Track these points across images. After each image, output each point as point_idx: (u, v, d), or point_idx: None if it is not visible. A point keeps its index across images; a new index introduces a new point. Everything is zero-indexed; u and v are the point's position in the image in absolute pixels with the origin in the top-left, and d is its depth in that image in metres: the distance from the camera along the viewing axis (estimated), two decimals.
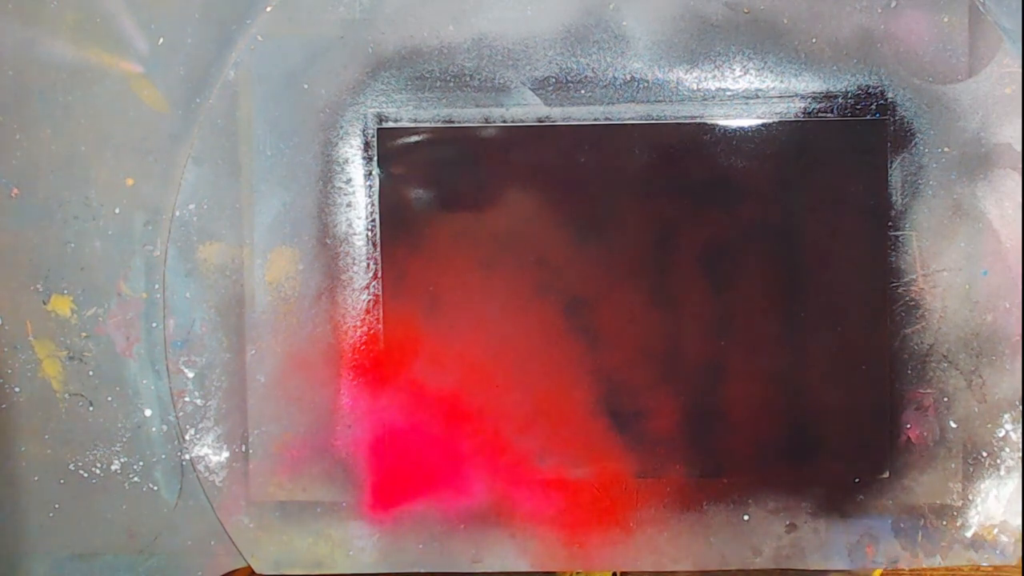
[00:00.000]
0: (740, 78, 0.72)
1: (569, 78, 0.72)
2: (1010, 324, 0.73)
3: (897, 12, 0.71)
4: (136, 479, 0.75)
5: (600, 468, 0.75)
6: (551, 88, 0.72)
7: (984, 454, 0.74)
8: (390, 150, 0.73)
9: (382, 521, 0.75)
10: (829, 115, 0.72)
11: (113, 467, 0.75)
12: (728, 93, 0.72)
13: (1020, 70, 0.71)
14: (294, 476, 0.75)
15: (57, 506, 0.75)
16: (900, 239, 0.73)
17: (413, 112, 0.73)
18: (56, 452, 0.75)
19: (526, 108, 0.73)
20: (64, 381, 0.75)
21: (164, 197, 0.73)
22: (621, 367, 0.74)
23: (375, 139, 0.73)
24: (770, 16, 0.71)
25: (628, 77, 0.72)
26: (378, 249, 0.74)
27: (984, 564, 0.75)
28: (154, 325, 0.74)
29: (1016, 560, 0.75)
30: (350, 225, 0.73)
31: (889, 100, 0.72)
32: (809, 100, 0.72)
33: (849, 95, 0.72)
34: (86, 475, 0.75)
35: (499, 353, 0.74)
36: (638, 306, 0.74)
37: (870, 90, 0.72)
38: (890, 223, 0.73)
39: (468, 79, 0.72)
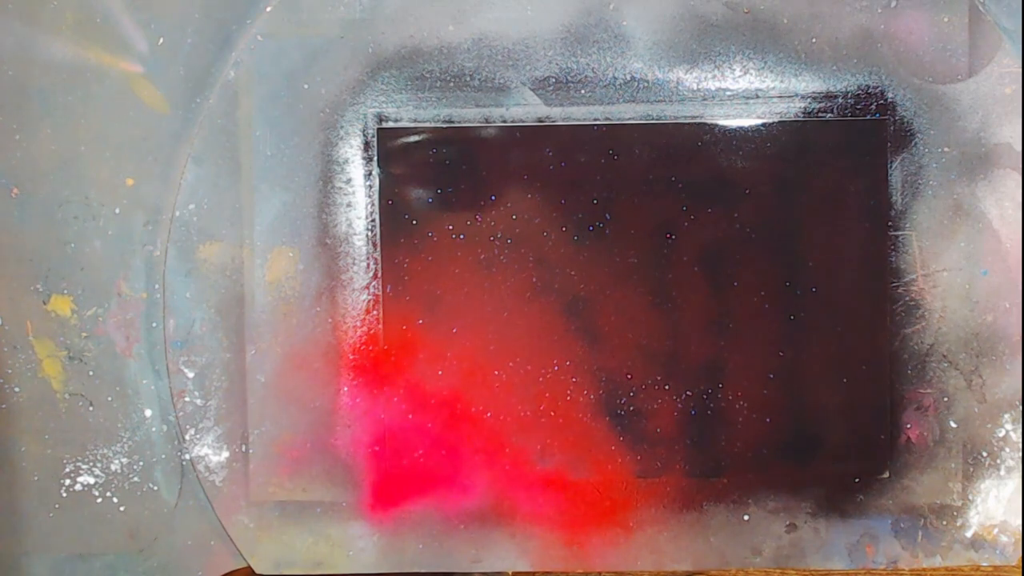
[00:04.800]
0: (740, 78, 0.72)
1: (569, 78, 0.72)
2: (1010, 324, 0.73)
3: (897, 12, 0.71)
4: (136, 479, 0.75)
5: (600, 468, 0.75)
6: (551, 88, 0.72)
7: (984, 454, 0.74)
8: (390, 150, 0.73)
9: (382, 521, 0.75)
10: (829, 115, 0.72)
11: (113, 467, 0.75)
12: (728, 93, 0.72)
13: (1020, 70, 0.71)
14: (294, 476, 0.75)
15: (57, 506, 0.75)
16: (900, 239, 0.73)
17: (413, 112, 0.73)
18: (56, 452, 0.75)
19: (526, 108, 0.73)
20: (64, 381, 0.75)
21: (164, 197, 0.73)
22: (621, 367, 0.74)
23: (375, 139, 0.73)
24: (770, 16, 0.71)
25: (628, 77, 0.72)
26: (378, 249, 0.74)
27: (984, 564, 0.75)
28: (154, 325, 0.74)
29: (1016, 560, 0.75)
30: (350, 225, 0.73)
31: (889, 100, 0.72)
32: (809, 100, 0.72)
33: (849, 95, 0.72)
34: (86, 475, 0.75)
35: (499, 353, 0.74)
36: (638, 306, 0.74)
37: (870, 90, 0.72)
38: (890, 223, 0.73)
39: (468, 79, 0.72)
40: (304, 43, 0.72)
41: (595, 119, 0.72)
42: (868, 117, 0.72)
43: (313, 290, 0.74)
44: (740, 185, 0.73)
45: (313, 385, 0.74)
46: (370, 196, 0.73)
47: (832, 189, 0.73)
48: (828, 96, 0.72)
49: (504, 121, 0.73)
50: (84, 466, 0.75)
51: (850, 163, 0.72)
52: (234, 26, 0.73)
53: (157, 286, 0.74)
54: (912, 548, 0.74)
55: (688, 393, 0.74)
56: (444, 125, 0.73)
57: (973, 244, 0.72)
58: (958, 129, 0.72)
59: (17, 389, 0.75)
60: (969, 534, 0.74)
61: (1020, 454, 0.73)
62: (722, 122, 0.72)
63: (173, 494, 0.76)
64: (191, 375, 0.74)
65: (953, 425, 0.73)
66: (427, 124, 0.73)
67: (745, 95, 0.72)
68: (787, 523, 0.75)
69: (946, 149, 0.72)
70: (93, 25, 0.72)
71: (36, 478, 0.75)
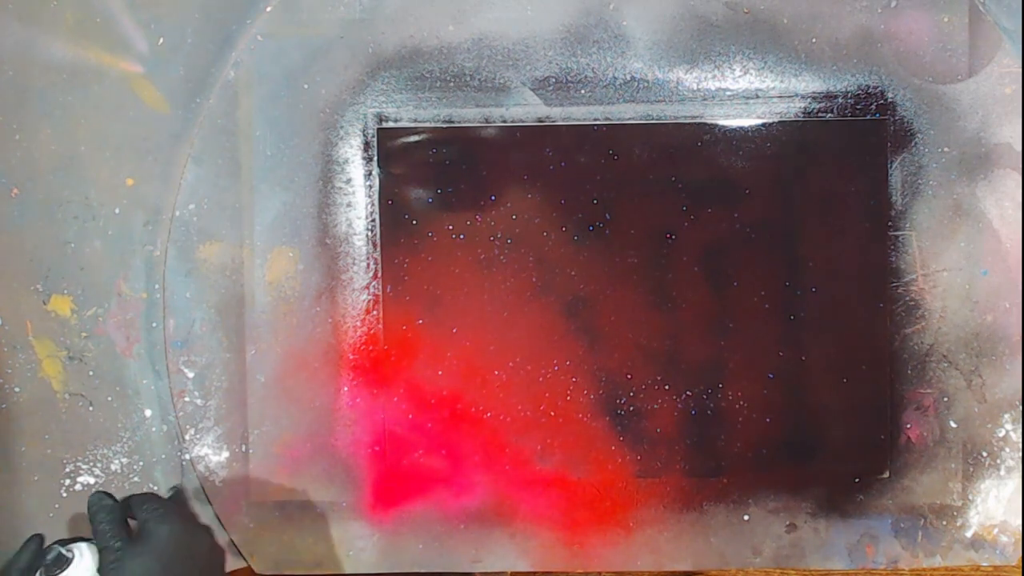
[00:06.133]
0: (740, 78, 0.72)
1: (569, 78, 0.72)
2: (1010, 324, 0.73)
3: (897, 12, 0.71)
4: (136, 479, 0.75)
5: (600, 468, 0.75)
6: (551, 88, 0.72)
7: (984, 454, 0.74)
8: (390, 150, 0.73)
9: (382, 521, 0.75)
10: (829, 115, 0.72)
11: (113, 467, 0.75)
12: (728, 93, 0.72)
13: (1020, 70, 0.71)
14: (294, 476, 0.75)
15: (57, 506, 0.75)
16: (900, 239, 0.73)
17: (413, 112, 0.73)
18: (56, 452, 0.75)
19: (526, 108, 0.73)
20: (64, 381, 0.75)
21: (164, 197, 0.73)
22: (621, 367, 0.74)
23: (375, 139, 0.73)
24: (770, 16, 0.71)
25: (628, 77, 0.72)
26: (378, 249, 0.74)
27: (984, 564, 0.75)
28: (154, 325, 0.74)
29: (1016, 560, 0.75)
30: (350, 225, 0.73)
31: (889, 100, 0.72)
32: (809, 100, 0.72)
33: (849, 95, 0.72)
34: (86, 475, 0.75)
35: (499, 353, 0.74)
36: (638, 306, 0.74)
37: (870, 90, 0.72)
38: (890, 223, 0.73)
39: (468, 79, 0.72)
40: (304, 43, 0.72)
41: (595, 119, 0.72)
42: (868, 117, 0.72)
43: (313, 290, 0.74)
44: (740, 185, 0.73)
45: (313, 385, 0.74)
46: (370, 196, 0.73)
47: (832, 189, 0.73)
48: (828, 96, 0.72)
49: (504, 121, 0.73)
50: (84, 466, 0.75)
51: (850, 163, 0.72)
52: (234, 26, 0.73)
53: (157, 286, 0.74)
54: (912, 548, 0.74)
55: (688, 393, 0.74)
56: (444, 125, 0.73)
57: (973, 244, 0.72)
58: (958, 129, 0.72)
59: (17, 389, 0.75)
60: (969, 534, 0.74)
61: (1020, 454, 0.73)
62: (722, 122, 0.72)
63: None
64: (191, 375, 0.74)
65: (953, 425, 0.73)
66: (427, 124, 0.73)
67: (745, 95, 0.72)
68: (787, 523, 0.75)
69: (946, 149, 0.72)
70: (93, 25, 0.72)
71: (36, 478, 0.75)
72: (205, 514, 0.75)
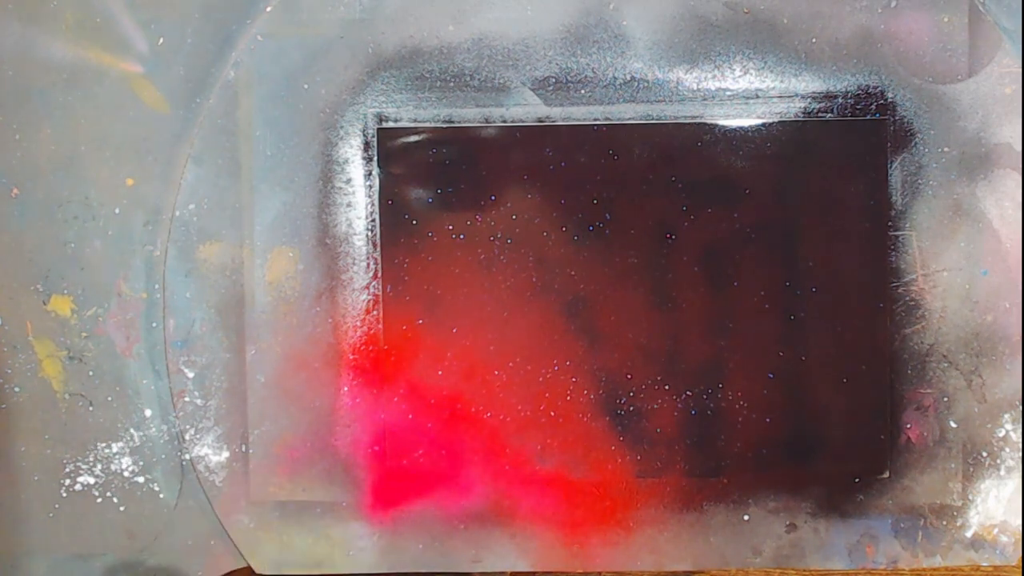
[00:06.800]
0: (740, 78, 0.72)
1: (569, 78, 0.72)
2: (1010, 324, 0.73)
3: (897, 12, 0.71)
4: (136, 479, 0.75)
5: (600, 468, 0.75)
6: (551, 88, 0.72)
7: (984, 454, 0.74)
8: (390, 150, 0.73)
9: (382, 521, 0.75)
10: (829, 115, 0.72)
11: (113, 467, 0.75)
12: (728, 93, 0.72)
13: (1020, 70, 0.71)
14: (294, 476, 0.75)
15: (57, 506, 0.75)
16: (900, 239, 0.73)
17: (413, 112, 0.73)
18: (56, 452, 0.75)
19: (526, 108, 0.73)
20: (64, 381, 0.75)
21: (164, 197, 0.73)
22: (621, 367, 0.74)
23: (375, 139, 0.73)
24: (770, 16, 0.71)
25: (628, 77, 0.72)
26: (378, 249, 0.74)
27: (984, 564, 0.75)
28: (154, 325, 0.74)
29: (1016, 560, 0.75)
30: (350, 225, 0.73)
31: (889, 100, 0.72)
32: (809, 100, 0.72)
33: (849, 95, 0.72)
34: (86, 475, 0.75)
35: (499, 353, 0.74)
36: (638, 306, 0.74)
37: (870, 90, 0.72)
38: (890, 223, 0.73)
39: (468, 79, 0.72)
40: (304, 43, 0.72)
41: (595, 119, 0.72)
42: (868, 117, 0.72)
43: (313, 290, 0.74)
44: (740, 185, 0.73)
45: (313, 385, 0.74)
46: (370, 196, 0.73)
47: (832, 189, 0.73)
48: (828, 96, 0.72)
49: (504, 121, 0.73)
50: (84, 466, 0.75)
51: (850, 163, 0.72)
52: (234, 26, 0.73)
53: (157, 286, 0.74)
54: (912, 548, 0.74)
55: (688, 393, 0.74)
56: (444, 125, 0.73)
57: (973, 244, 0.72)
58: (958, 129, 0.72)
59: (17, 389, 0.75)
60: (969, 534, 0.74)
61: (1020, 454, 0.73)
62: (722, 122, 0.72)
63: (173, 494, 0.76)
64: (191, 375, 0.74)
65: (953, 425, 0.73)
66: (427, 124, 0.73)
67: (745, 95, 0.72)
68: (787, 523, 0.75)
69: (946, 149, 0.72)
70: (93, 25, 0.72)
71: (36, 478, 0.75)
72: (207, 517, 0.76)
